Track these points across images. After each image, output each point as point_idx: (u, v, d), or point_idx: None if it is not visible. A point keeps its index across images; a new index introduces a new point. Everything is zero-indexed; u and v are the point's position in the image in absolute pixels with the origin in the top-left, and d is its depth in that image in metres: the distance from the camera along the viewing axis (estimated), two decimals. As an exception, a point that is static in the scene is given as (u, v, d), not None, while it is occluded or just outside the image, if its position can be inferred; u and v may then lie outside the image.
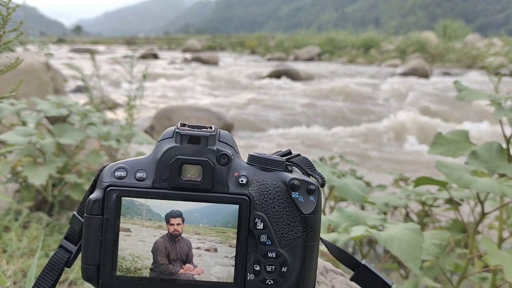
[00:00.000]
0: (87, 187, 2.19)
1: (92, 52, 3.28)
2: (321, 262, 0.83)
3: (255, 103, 9.29)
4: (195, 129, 0.58)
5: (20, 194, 2.25)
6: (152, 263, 0.57)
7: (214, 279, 0.57)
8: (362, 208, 2.31)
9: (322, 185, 0.62)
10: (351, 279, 0.74)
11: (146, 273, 0.57)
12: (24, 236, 1.89)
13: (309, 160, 0.64)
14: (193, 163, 0.57)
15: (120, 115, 3.17)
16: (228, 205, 0.57)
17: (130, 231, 0.57)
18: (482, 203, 1.37)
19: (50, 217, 2.17)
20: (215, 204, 0.57)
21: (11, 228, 1.93)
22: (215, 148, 0.57)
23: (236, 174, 0.58)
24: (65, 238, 0.64)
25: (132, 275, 0.57)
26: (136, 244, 0.57)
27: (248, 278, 0.58)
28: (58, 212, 2.25)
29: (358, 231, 1.15)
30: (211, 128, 0.59)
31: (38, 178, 2.01)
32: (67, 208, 2.30)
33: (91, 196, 0.57)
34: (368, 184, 2.51)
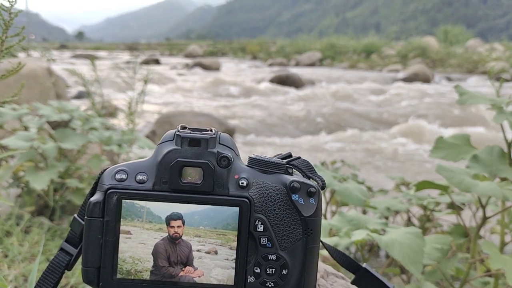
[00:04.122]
0: (88, 191, 2.18)
1: (92, 58, 3.29)
2: (322, 266, 0.82)
3: (257, 109, 9.30)
4: (196, 132, 0.58)
5: (22, 199, 2.26)
6: (153, 266, 0.57)
7: (215, 282, 0.57)
8: (364, 212, 2.30)
9: (323, 188, 0.62)
10: (352, 283, 0.74)
11: (146, 275, 0.57)
12: (25, 241, 1.89)
13: (309, 163, 0.65)
14: (193, 165, 0.57)
15: (122, 120, 3.18)
16: (229, 208, 0.57)
17: (131, 234, 0.57)
18: (483, 207, 1.36)
19: (51, 222, 2.17)
20: (215, 207, 0.57)
21: (13, 233, 1.93)
22: (215, 150, 0.57)
23: (236, 176, 0.58)
24: (66, 241, 0.64)
25: (132, 278, 0.57)
26: (137, 247, 0.57)
27: (248, 281, 0.58)
28: (59, 216, 2.25)
29: (359, 235, 1.15)
30: (211, 130, 0.59)
31: (40, 183, 2.01)
32: (68, 212, 2.30)
33: (92, 199, 0.57)
34: (369, 188, 2.50)
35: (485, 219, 1.35)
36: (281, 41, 44.50)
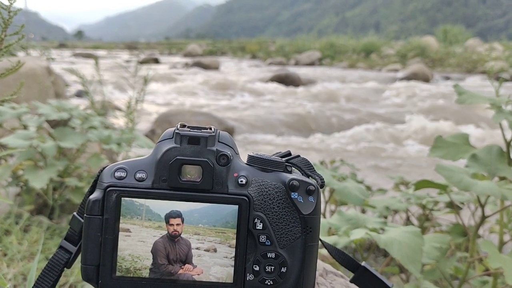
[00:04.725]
0: (88, 189, 2.18)
1: (96, 58, 3.29)
2: (321, 264, 0.82)
3: (256, 108, 9.30)
4: (195, 130, 0.58)
5: (21, 197, 2.26)
6: (152, 264, 0.57)
7: (214, 279, 0.58)
8: (363, 211, 2.30)
9: (322, 186, 0.62)
10: (351, 281, 0.74)
11: (145, 273, 0.57)
12: (24, 240, 1.89)
13: (308, 161, 0.65)
14: (192, 163, 0.57)
15: (121, 119, 3.18)
16: (228, 206, 0.57)
17: (130, 232, 0.57)
18: (482, 206, 1.37)
19: (50, 221, 2.17)
20: (214, 205, 0.57)
21: (12, 232, 1.93)
22: (214, 148, 0.57)
23: (235, 174, 0.58)
24: (65, 238, 0.64)
25: (131, 276, 0.57)
26: (136, 245, 0.57)
27: (247, 279, 0.58)
28: (58, 215, 2.24)
29: (358, 234, 1.15)
30: (210, 129, 0.59)
31: (39, 181, 2.01)
32: (67, 211, 2.30)
33: (91, 197, 0.57)
34: (368, 187, 2.51)
35: (484, 218, 1.35)
36: (280, 41, 44.50)
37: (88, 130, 2.35)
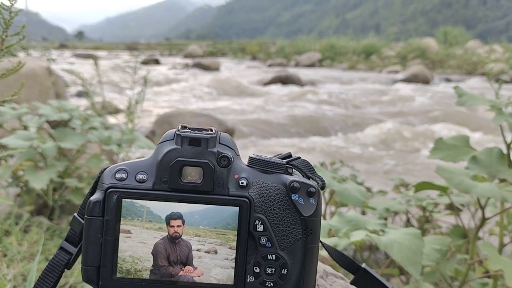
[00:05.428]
0: (87, 191, 2.18)
1: (95, 58, 3.28)
2: (321, 266, 0.82)
3: (256, 109, 9.30)
4: (196, 131, 0.58)
5: (21, 198, 2.26)
6: (152, 265, 0.57)
7: (214, 281, 0.58)
8: (363, 213, 2.30)
9: (322, 188, 0.62)
10: (351, 283, 0.74)
11: (146, 275, 0.57)
12: (24, 240, 1.89)
13: (309, 163, 0.65)
14: (193, 165, 0.57)
15: (121, 119, 3.18)
16: (228, 207, 0.57)
17: (131, 233, 0.57)
18: (482, 208, 1.36)
19: (50, 221, 2.17)
20: (215, 206, 0.57)
21: (12, 232, 1.93)
22: (215, 150, 0.57)
23: (236, 176, 0.58)
24: (66, 239, 0.64)
25: (132, 277, 0.57)
26: (136, 246, 0.57)
27: (248, 280, 0.58)
28: (58, 216, 2.24)
29: (358, 235, 1.15)
30: (211, 130, 0.59)
31: (39, 182, 2.01)
32: (67, 212, 2.30)
33: (92, 198, 0.57)
34: (369, 189, 2.50)
35: (484, 220, 1.35)
36: (280, 42, 44.49)
37: (88, 131, 2.35)
